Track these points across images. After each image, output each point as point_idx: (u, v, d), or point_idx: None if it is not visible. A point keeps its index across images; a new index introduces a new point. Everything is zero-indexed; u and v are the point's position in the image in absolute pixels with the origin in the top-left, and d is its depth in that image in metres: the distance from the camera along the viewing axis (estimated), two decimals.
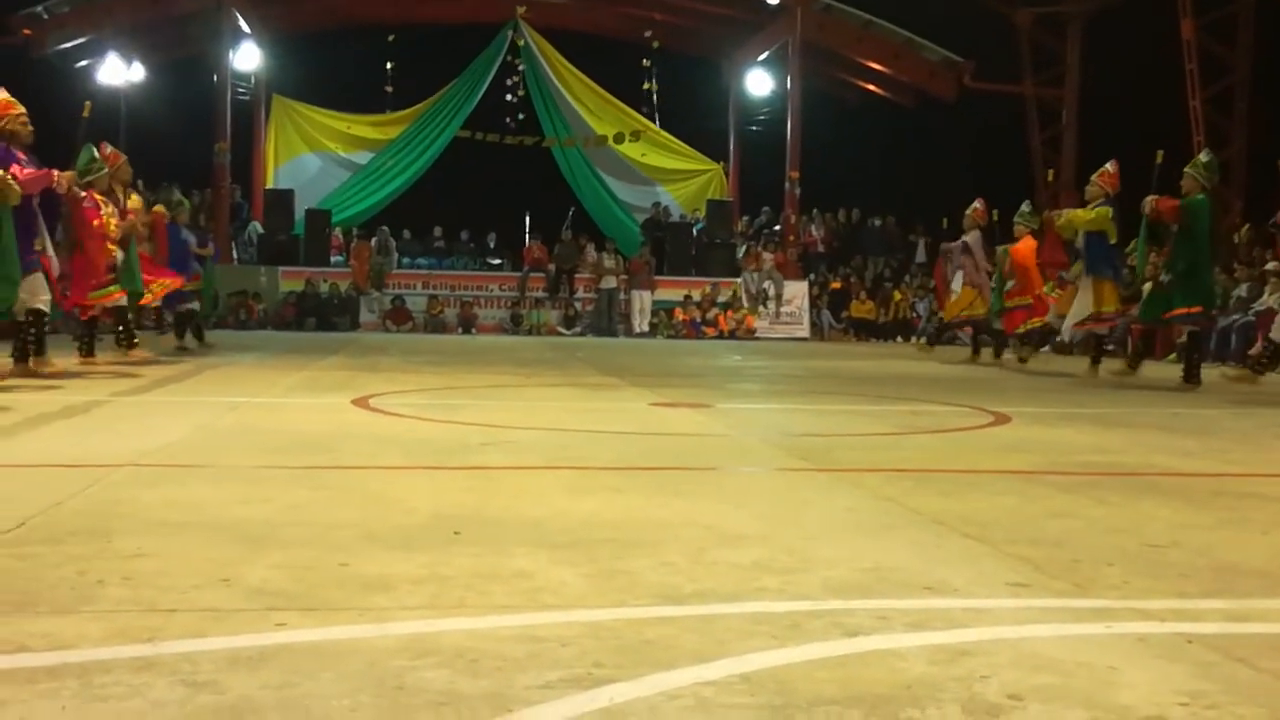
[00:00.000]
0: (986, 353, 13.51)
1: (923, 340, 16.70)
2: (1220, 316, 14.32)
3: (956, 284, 13.40)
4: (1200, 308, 9.56)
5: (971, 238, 13.21)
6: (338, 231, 23.28)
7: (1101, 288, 10.43)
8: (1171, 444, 5.84)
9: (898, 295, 22.69)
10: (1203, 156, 9.74)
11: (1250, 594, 2.74)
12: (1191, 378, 9.69)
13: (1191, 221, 9.24)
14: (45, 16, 21.88)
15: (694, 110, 25.84)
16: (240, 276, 21.67)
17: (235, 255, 22.88)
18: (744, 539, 3.21)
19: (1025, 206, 12.91)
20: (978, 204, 13.48)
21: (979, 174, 20.66)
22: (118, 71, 21.77)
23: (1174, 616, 2.51)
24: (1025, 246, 12.39)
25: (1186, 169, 9.59)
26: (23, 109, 8.08)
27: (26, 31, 21.42)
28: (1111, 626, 2.43)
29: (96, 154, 9.73)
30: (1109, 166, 10.66)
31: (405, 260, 23.23)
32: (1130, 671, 2.13)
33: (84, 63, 22.79)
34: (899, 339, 21.66)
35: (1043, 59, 23.69)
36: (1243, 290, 14.68)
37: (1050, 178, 19.45)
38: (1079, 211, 10.58)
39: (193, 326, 12.81)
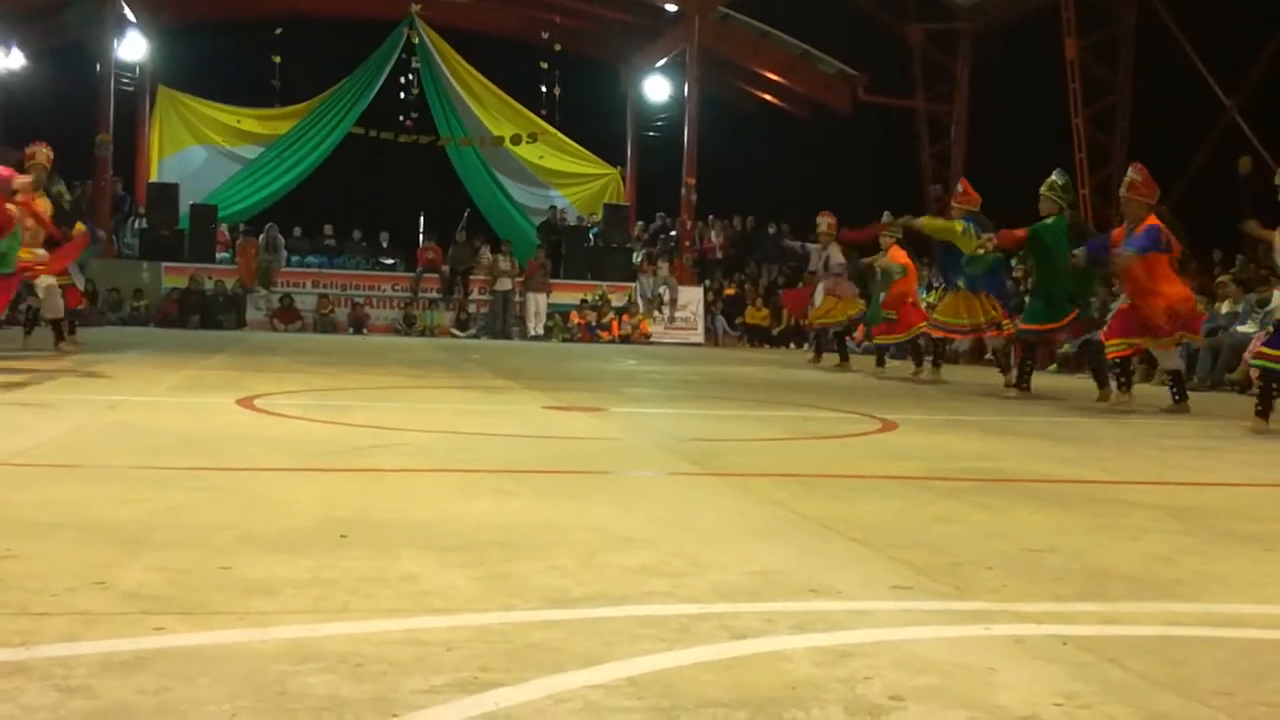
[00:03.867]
0: (830, 358, 14.12)
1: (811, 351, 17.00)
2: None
3: (818, 296, 13.78)
4: (1065, 319, 9.68)
5: (835, 250, 13.65)
6: (224, 227, 22.78)
7: (952, 300, 10.86)
8: (1052, 451, 6.01)
9: None
10: (1057, 178, 9.68)
11: (1122, 597, 2.83)
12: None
13: (1047, 243, 9.49)
14: None
15: (592, 114, 25.88)
16: (121, 272, 21.08)
17: (117, 250, 22.25)
18: (634, 542, 3.23)
19: (886, 217, 13.06)
20: (832, 218, 13.88)
21: (872, 185, 21.04)
22: None
23: (1050, 619, 2.59)
24: (896, 257, 12.59)
25: (1042, 190, 9.67)
26: None
27: None
28: (990, 628, 2.49)
29: None
30: (959, 186, 11.19)
31: (295, 258, 22.80)
32: (1007, 672, 2.18)
33: None
34: (791, 346, 21.92)
35: (934, 75, 24.23)
36: None
37: (941, 192, 19.93)
38: (929, 220, 11.02)
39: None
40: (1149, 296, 8.34)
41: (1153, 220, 8.40)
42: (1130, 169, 8.78)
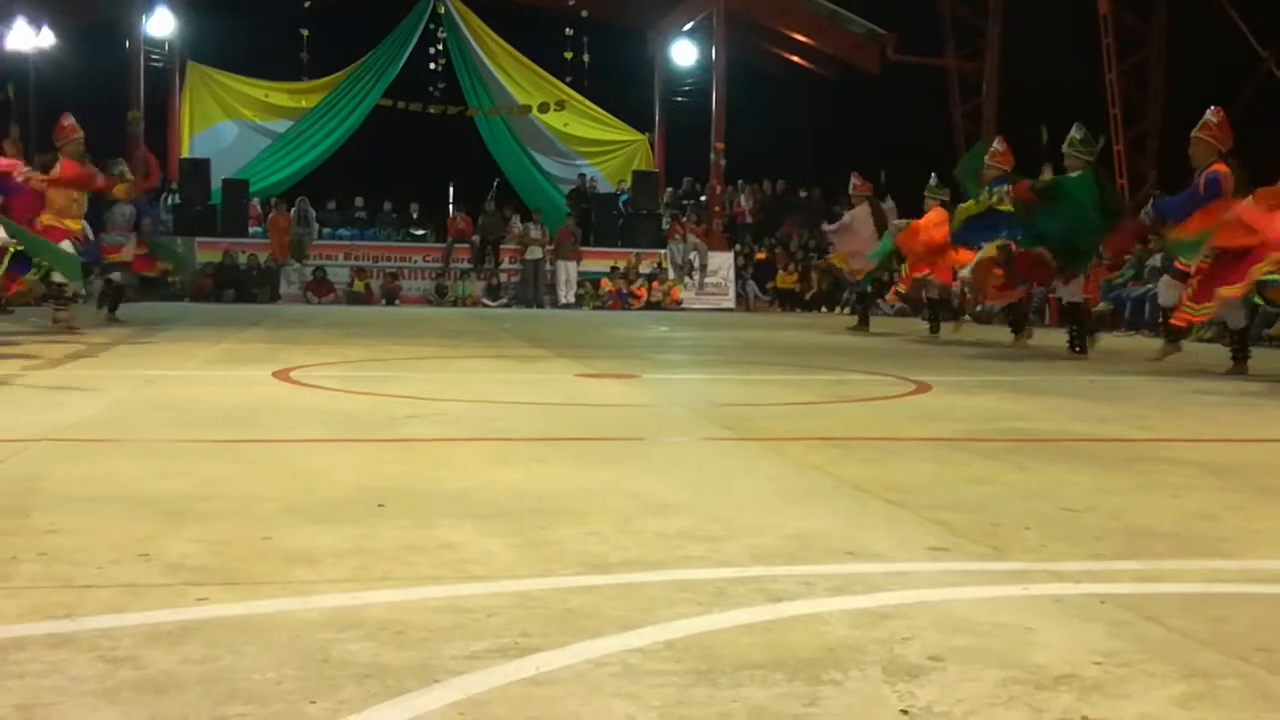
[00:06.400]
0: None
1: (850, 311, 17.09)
2: (1135, 286, 14.64)
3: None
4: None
5: (861, 210, 13.66)
6: (256, 201, 22.88)
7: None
8: (1088, 410, 5.96)
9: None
10: (1075, 133, 9.67)
11: (1161, 555, 2.82)
12: (1076, 347, 10.04)
13: (1069, 194, 9.45)
14: None
15: (619, 80, 25.73)
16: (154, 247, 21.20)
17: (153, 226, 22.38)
18: (670, 508, 3.23)
19: (933, 180, 12.93)
20: (856, 179, 13.90)
21: (902, 146, 20.81)
22: (26, 37, 21.14)
23: (1088, 578, 2.58)
24: (929, 220, 12.47)
25: (1064, 148, 9.66)
26: None
27: None
28: (1028, 588, 2.48)
29: None
30: (997, 145, 11.06)
31: (326, 231, 22.88)
32: (1046, 632, 2.18)
33: None
34: (823, 310, 21.83)
35: (964, 32, 23.90)
36: (1156, 260, 14.99)
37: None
38: (963, 205, 11.00)
39: (112, 298, 12.57)
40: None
41: (1218, 166, 8.14)
42: (1209, 111, 8.51)
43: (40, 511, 3.03)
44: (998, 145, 11.10)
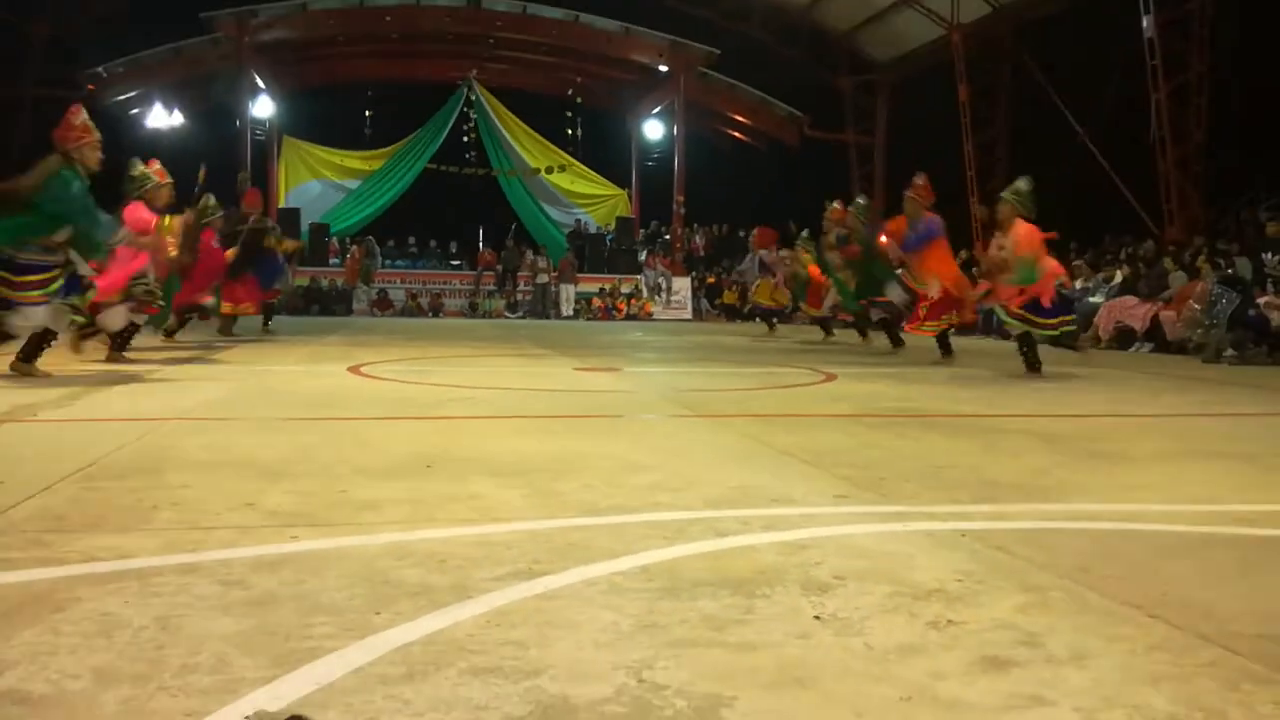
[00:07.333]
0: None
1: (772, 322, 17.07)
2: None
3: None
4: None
5: (767, 255, 13.52)
6: (334, 240, 22.76)
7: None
8: (951, 394, 5.99)
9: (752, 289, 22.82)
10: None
11: (1007, 500, 2.83)
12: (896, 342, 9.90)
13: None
14: (105, 75, 20.97)
15: (605, 150, 25.73)
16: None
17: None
18: (644, 467, 3.23)
19: (861, 199, 11.46)
20: (757, 231, 13.76)
21: (814, 200, 20.78)
22: (161, 118, 20.98)
23: (952, 518, 2.59)
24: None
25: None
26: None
27: (91, 86, 20.46)
28: (908, 525, 2.49)
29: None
30: (919, 180, 9.16)
31: (387, 262, 22.79)
32: (921, 557, 2.19)
33: (135, 111, 21.85)
34: (757, 321, 21.74)
35: (860, 114, 23.98)
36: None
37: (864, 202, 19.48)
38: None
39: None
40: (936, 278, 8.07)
41: (932, 215, 8.28)
42: (916, 175, 8.44)
43: (173, 472, 3.00)
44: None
